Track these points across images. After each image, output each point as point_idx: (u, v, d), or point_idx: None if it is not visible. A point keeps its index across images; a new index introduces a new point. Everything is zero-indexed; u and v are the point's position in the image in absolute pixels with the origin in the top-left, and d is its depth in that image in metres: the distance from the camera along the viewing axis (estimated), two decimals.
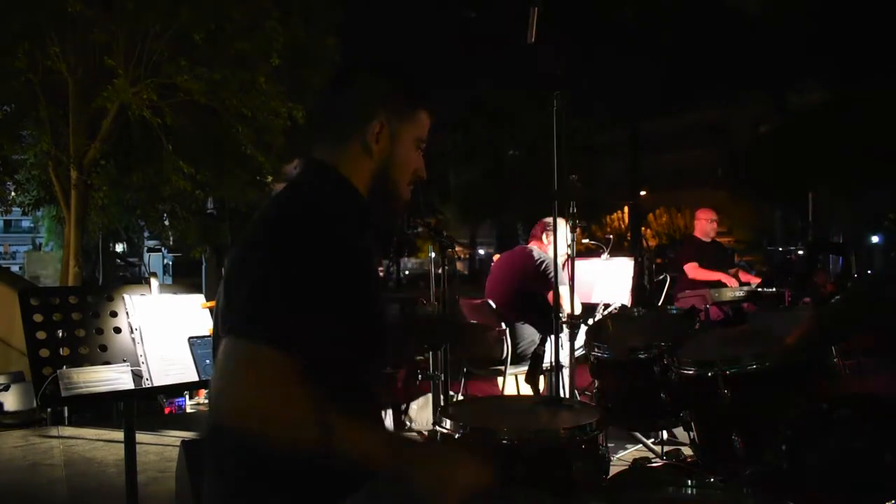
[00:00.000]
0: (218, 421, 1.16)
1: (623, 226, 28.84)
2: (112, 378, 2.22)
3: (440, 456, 1.27)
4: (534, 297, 4.34)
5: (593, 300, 4.44)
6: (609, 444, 1.79)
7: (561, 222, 3.63)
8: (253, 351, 1.15)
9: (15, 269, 29.43)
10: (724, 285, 5.84)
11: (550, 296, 3.86)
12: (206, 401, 6.60)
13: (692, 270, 6.07)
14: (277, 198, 1.42)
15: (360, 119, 1.46)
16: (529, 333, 4.38)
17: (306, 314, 1.21)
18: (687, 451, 2.16)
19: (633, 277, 4.66)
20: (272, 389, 1.13)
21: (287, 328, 1.17)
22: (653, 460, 2.25)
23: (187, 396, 6.17)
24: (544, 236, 4.57)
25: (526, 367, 4.07)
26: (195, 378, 2.37)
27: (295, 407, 1.14)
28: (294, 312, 1.20)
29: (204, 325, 2.47)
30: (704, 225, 6.30)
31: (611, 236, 4.75)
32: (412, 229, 3.10)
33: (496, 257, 5.01)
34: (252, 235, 1.36)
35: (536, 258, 4.45)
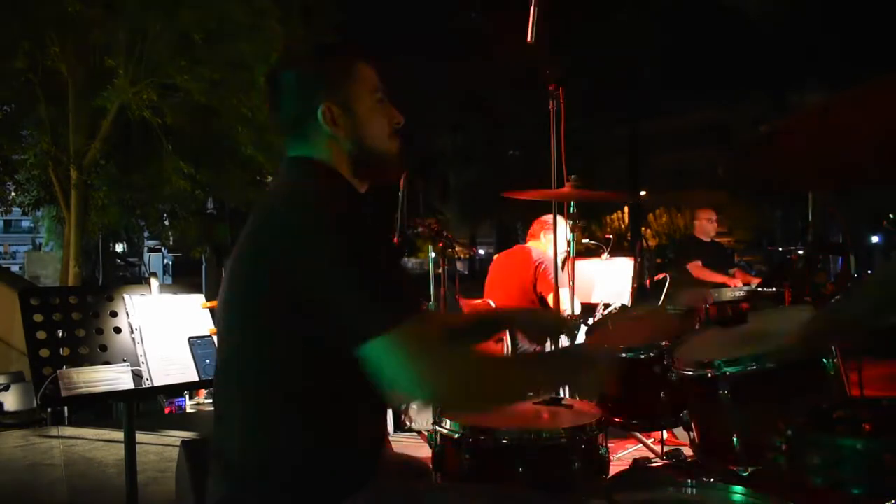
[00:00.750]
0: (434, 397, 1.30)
1: (623, 226, 28.83)
2: (112, 378, 2.22)
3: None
4: (533, 296, 4.34)
5: (593, 300, 4.44)
6: (609, 444, 1.79)
7: (561, 222, 3.63)
8: (406, 329, 1.22)
9: (15, 269, 29.42)
10: (726, 286, 5.84)
11: (550, 296, 3.85)
12: (207, 400, 6.60)
13: (696, 270, 6.08)
14: (284, 201, 1.38)
15: (309, 113, 1.42)
16: None
17: (396, 297, 1.27)
18: (687, 451, 2.16)
19: (633, 277, 4.65)
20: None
21: (399, 308, 1.25)
22: (653, 460, 2.25)
23: (187, 396, 6.18)
24: (542, 235, 4.56)
25: None
26: (195, 378, 2.37)
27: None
28: (384, 299, 1.25)
29: (204, 325, 2.47)
30: (704, 225, 6.30)
31: (611, 236, 4.73)
32: (412, 229, 3.09)
33: (496, 257, 5.00)
34: (266, 236, 1.33)
35: (535, 258, 4.45)
